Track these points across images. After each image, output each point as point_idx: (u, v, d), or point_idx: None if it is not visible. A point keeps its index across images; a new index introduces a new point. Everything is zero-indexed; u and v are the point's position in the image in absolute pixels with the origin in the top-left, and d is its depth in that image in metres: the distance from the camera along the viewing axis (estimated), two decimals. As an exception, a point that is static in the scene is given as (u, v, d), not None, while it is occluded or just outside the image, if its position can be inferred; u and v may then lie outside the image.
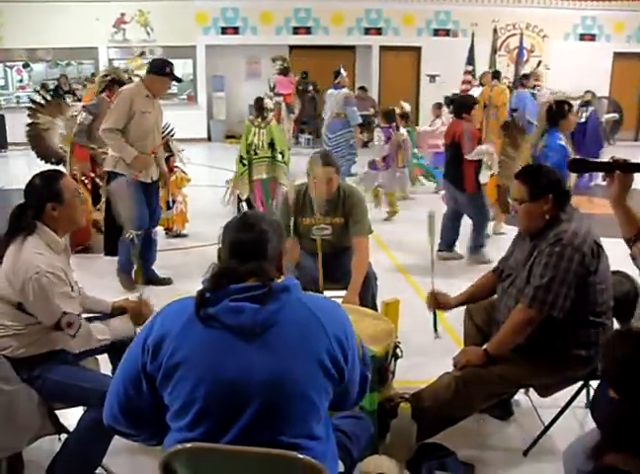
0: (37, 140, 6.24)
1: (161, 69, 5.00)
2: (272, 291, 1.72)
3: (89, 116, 5.85)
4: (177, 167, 6.80)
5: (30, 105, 6.25)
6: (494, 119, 11.18)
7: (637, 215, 2.45)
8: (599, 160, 2.66)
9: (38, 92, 6.30)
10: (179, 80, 5.40)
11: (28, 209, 2.61)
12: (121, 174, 4.96)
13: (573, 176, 4.63)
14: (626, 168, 2.36)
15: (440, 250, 6.19)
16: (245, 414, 1.67)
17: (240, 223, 1.88)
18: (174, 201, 6.87)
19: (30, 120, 6.23)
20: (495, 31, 13.23)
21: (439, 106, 10.27)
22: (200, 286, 1.78)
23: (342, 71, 10.20)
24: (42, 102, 6.24)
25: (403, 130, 8.54)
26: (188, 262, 6.13)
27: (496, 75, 11.59)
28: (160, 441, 1.85)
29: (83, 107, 6.09)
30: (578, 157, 3.00)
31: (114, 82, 6.00)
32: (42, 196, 2.61)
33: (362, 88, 12.71)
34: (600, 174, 2.48)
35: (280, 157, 7.49)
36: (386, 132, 8.37)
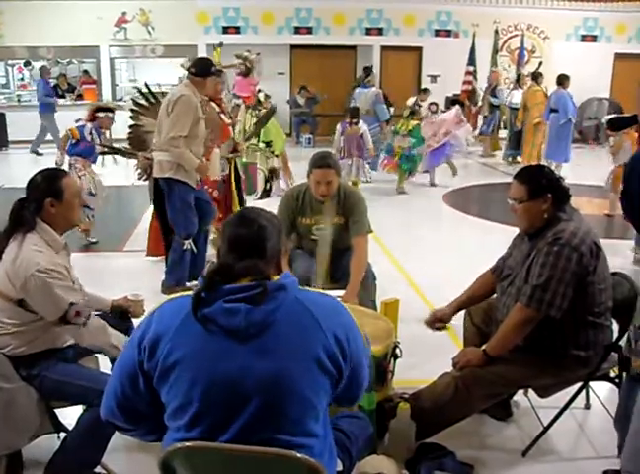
0: (137, 143, 5.99)
1: (208, 70, 4.97)
2: (267, 291, 1.70)
3: None
4: None
5: (133, 107, 6.04)
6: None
7: None
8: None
9: (142, 93, 6.02)
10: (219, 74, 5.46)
11: (28, 204, 2.61)
12: (180, 180, 4.93)
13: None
14: None
15: None
16: (242, 415, 1.67)
17: (239, 219, 1.88)
18: None
19: (132, 122, 6.03)
20: (496, 31, 13.27)
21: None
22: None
23: (373, 71, 11.11)
24: (147, 104, 5.98)
25: (361, 125, 9.43)
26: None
27: (535, 77, 11.62)
28: (158, 438, 1.85)
29: None
30: (614, 116, 3.01)
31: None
32: (42, 191, 2.61)
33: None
34: None
35: (261, 145, 8.43)
36: (343, 126, 9.37)
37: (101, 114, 6.59)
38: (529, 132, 11.54)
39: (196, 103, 4.84)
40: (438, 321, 3.32)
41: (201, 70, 4.94)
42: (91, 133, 6.48)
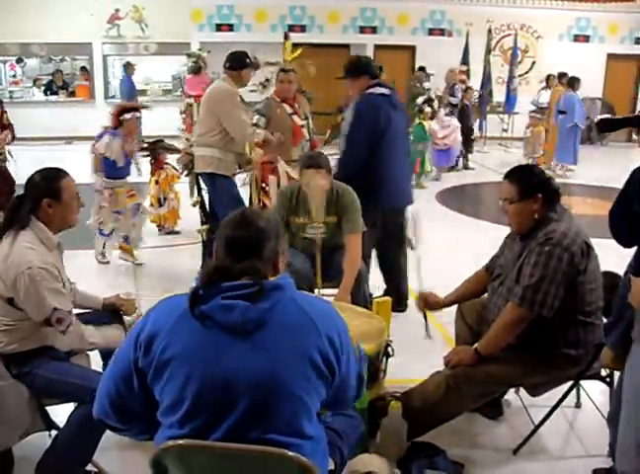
0: None
1: (243, 62, 5.02)
2: (263, 290, 1.71)
3: (262, 118, 5.36)
4: (167, 164, 6.77)
5: None
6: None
7: None
8: (627, 116, 2.64)
9: None
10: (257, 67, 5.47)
11: (25, 202, 2.61)
12: (222, 174, 4.96)
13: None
14: None
15: None
16: (235, 412, 1.67)
17: (238, 220, 1.86)
18: (165, 199, 6.81)
19: None
20: (489, 31, 13.28)
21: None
22: (193, 284, 1.77)
23: (383, 70, 10.94)
24: None
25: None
26: (180, 259, 6.11)
27: (559, 77, 11.59)
28: (150, 437, 1.85)
29: (255, 110, 5.62)
30: (604, 117, 2.96)
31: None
32: (40, 190, 2.61)
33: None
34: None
35: None
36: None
37: (127, 115, 5.63)
38: (552, 133, 11.59)
39: (237, 95, 4.93)
40: (428, 304, 3.34)
41: (236, 63, 5.00)
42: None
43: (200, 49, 11.02)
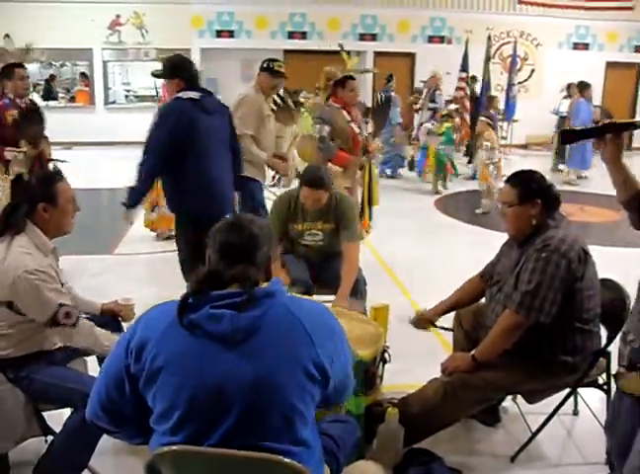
0: None
1: (261, 65, 5.04)
2: (253, 298, 1.70)
3: (325, 126, 5.28)
4: None
5: None
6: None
7: (634, 178, 2.34)
8: (587, 127, 2.59)
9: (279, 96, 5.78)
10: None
11: (20, 207, 2.60)
12: (249, 178, 4.93)
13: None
14: (617, 128, 2.33)
15: None
16: (227, 420, 1.66)
17: (230, 225, 1.87)
18: (157, 203, 6.71)
19: None
20: (489, 38, 13.30)
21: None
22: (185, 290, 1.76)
23: (393, 78, 11.51)
24: (275, 108, 5.68)
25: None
26: (174, 265, 6.09)
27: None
28: (144, 441, 1.84)
29: (317, 118, 5.59)
30: (567, 128, 2.91)
31: (337, 85, 5.56)
32: (36, 195, 2.60)
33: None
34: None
35: None
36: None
37: None
38: None
39: (260, 101, 4.93)
40: (424, 322, 3.34)
41: (261, 64, 5.04)
42: None
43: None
